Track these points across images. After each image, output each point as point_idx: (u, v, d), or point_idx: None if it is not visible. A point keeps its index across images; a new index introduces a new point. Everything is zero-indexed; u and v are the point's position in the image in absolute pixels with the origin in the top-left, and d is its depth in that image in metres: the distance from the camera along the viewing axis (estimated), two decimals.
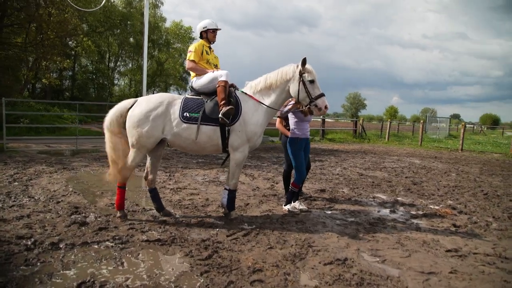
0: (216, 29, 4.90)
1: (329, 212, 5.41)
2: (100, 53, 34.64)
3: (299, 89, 4.44)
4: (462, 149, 18.67)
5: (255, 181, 7.44)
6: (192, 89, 4.77)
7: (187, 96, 4.70)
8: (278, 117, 5.58)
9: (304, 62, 4.40)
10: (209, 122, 4.40)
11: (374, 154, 14.51)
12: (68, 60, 26.11)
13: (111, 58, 37.55)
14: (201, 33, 4.91)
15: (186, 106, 4.44)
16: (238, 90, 4.72)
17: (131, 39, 35.17)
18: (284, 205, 5.36)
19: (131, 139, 4.38)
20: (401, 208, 5.83)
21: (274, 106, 4.63)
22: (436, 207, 6.01)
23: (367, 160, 12.23)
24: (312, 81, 4.42)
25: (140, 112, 4.34)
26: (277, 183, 7.30)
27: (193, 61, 4.69)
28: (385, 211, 5.61)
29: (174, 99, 4.53)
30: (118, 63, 38.58)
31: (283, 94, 4.62)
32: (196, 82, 4.68)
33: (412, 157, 14.39)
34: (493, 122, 79.56)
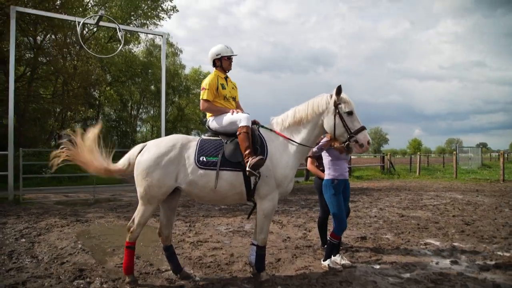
0: (232, 56, 4.22)
1: (378, 266, 4.50)
2: (123, 101, 35.42)
3: (335, 123, 3.73)
4: (504, 180, 17.27)
5: (285, 229, 6.62)
6: (209, 129, 4.12)
7: (203, 137, 4.05)
8: (309, 156, 4.87)
9: (339, 90, 3.73)
10: (230, 166, 3.71)
11: (409, 191, 13.43)
12: (91, 110, 26.62)
13: (133, 106, 38.31)
14: (214, 61, 4.22)
15: (202, 149, 3.78)
16: (261, 126, 4.05)
17: (152, 87, 35.87)
18: (323, 260, 4.50)
19: (140, 190, 3.72)
20: (463, 257, 4.86)
21: (306, 143, 3.91)
22: (507, 254, 5.01)
23: (403, 198, 11.19)
24: (350, 113, 3.72)
25: (149, 158, 3.71)
26: (309, 231, 6.45)
27: (207, 100, 4.02)
28: (445, 262, 4.65)
29: (188, 141, 3.88)
30: (140, 110, 39.32)
31: (315, 129, 3.90)
32: (213, 122, 4.04)
33: (451, 191, 13.22)
34: None
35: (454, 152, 23.06)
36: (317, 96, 3.91)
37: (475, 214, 8.26)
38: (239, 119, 3.79)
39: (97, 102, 31.56)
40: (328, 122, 3.79)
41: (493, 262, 4.63)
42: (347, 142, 3.74)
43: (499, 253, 5.07)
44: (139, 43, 33.76)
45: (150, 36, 33.91)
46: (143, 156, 3.76)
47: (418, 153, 25.81)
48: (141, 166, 3.71)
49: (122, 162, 3.97)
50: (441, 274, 4.17)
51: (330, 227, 5.28)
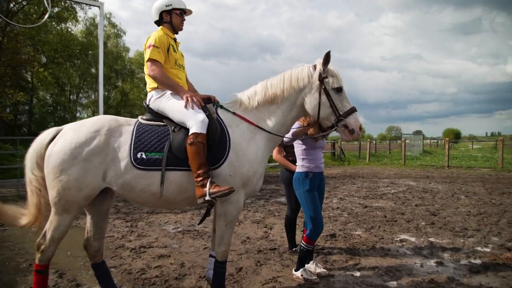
0: (185, 10, 3.12)
1: (358, 274, 3.82)
2: (60, 85, 32.32)
3: (320, 102, 2.86)
4: (448, 166, 17.83)
5: (242, 227, 5.80)
6: (149, 109, 3.00)
7: (140, 120, 2.94)
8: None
9: (327, 59, 2.86)
10: (180, 165, 2.71)
11: (363, 178, 13.24)
12: (22, 93, 23.87)
13: (72, 90, 35.18)
14: (161, 14, 3.08)
15: (140, 140, 2.73)
16: (220, 106, 3.01)
17: (93, 70, 33.02)
18: (295, 270, 3.69)
19: (52, 193, 2.65)
20: (446, 256, 4.34)
21: (280, 128, 3.00)
22: (487, 250, 4.59)
23: (360, 186, 10.86)
24: (339, 89, 2.87)
25: (64, 148, 2.64)
26: (271, 229, 5.69)
27: (156, 61, 2.86)
28: (430, 264, 4.08)
29: (119, 125, 2.80)
30: (80, 95, 36.26)
31: (293, 110, 2.98)
32: (156, 102, 2.94)
33: (404, 178, 13.23)
34: (455, 136, 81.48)
35: (403, 139, 23.61)
36: (295, 67, 2.99)
37: (436, 202, 8.01)
38: (192, 122, 2.70)
39: (30, 85, 28.51)
40: (310, 100, 2.89)
41: (478, 261, 4.16)
42: (334, 127, 2.94)
43: (479, 248, 4.63)
44: (77, 21, 30.84)
45: (89, 14, 31.10)
46: (56, 145, 2.68)
47: (368, 140, 26.19)
48: (52, 160, 2.63)
49: (31, 156, 2.84)
50: (431, 281, 3.57)
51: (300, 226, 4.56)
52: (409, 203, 7.97)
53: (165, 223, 6.11)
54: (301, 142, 3.68)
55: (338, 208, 7.41)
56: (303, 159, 3.70)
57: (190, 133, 2.67)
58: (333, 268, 3.98)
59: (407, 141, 32.96)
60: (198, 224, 3.69)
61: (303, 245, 3.64)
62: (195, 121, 2.69)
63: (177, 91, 2.90)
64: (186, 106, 2.78)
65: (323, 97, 2.85)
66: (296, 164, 3.80)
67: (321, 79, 2.86)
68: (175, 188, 2.73)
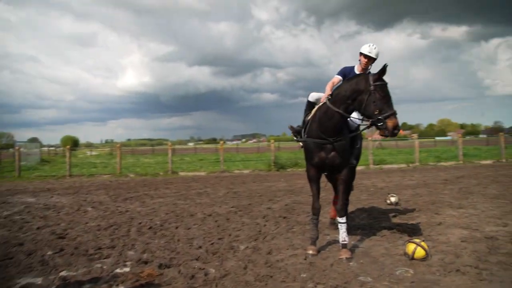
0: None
1: None
2: None
3: None
4: (70, 175, 17.06)
5: None
6: None
7: None
8: None
9: None
10: None
11: None
12: None
13: None
14: None
15: None
16: None
17: None
18: None
19: None
20: None
21: None
22: (127, 270, 4.11)
23: None
24: None
25: None
26: None
27: None
28: None
29: None
30: None
31: None
32: None
33: (20, 194, 11.19)
34: (73, 143, 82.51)
35: (17, 148, 20.36)
36: None
37: (62, 220, 6.99)
38: None
39: None
40: None
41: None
42: None
43: (118, 270, 4.10)
44: None
45: None
46: None
47: None
48: None
49: None
50: None
51: None
52: (29, 227, 6.48)
53: None
54: None
55: None
56: None
57: None
58: None
59: (22, 149, 29.33)
60: None
61: None
62: None
63: None
64: None
65: None
66: None
67: None
68: None
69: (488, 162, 18.93)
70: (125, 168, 19.32)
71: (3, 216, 7.51)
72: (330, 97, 4.49)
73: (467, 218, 6.27)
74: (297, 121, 5.36)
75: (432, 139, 49.59)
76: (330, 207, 6.36)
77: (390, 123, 3.97)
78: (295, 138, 5.26)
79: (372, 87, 4.07)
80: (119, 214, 7.48)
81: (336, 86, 4.76)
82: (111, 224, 6.50)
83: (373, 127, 4.22)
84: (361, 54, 5.00)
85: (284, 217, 6.88)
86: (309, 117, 4.94)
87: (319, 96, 5.03)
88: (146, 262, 4.38)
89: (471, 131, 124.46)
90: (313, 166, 4.70)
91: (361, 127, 4.86)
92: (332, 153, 4.51)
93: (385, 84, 4.10)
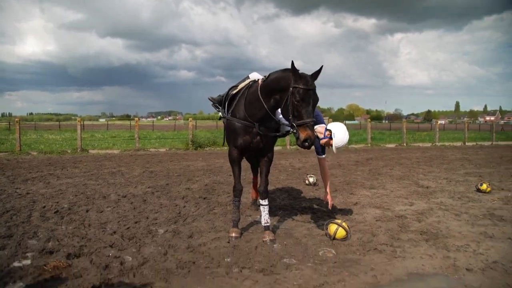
0: None
1: None
2: None
3: None
4: None
5: None
6: None
7: None
8: None
9: None
10: None
11: None
12: None
13: None
14: None
15: None
16: None
17: None
18: None
19: None
20: None
21: None
22: (28, 263, 3.60)
23: None
24: None
25: None
26: None
27: None
28: None
29: None
30: None
31: None
32: None
33: None
34: None
35: None
36: None
37: None
38: None
39: None
40: None
41: (20, 284, 3.13)
42: None
43: (17, 264, 3.57)
44: None
45: None
46: None
47: None
48: None
49: None
50: None
51: None
52: None
53: None
54: None
55: None
56: None
57: None
58: None
59: None
60: None
61: None
62: None
63: None
64: None
65: None
66: None
67: None
68: None
69: (392, 145, 20.80)
70: (26, 145, 17.30)
71: None
72: (264, 79, 4.15)
73: (379, 198, 6.78)
74: None
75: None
76: (250, 188, 6.36)
77: (301, 133, 3.62)
78: (216, 110, 5.00)
79: (291, 88, 3.69)
80: (18, 197, 6.60)
81: (275, 71, 4.14)
82: (7, 209, 5.70)
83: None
84: None
85: (204, 198, 6.72)
86: (235, 91, 4.69)
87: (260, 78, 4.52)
88: (51, 252, 3.89)
89: (375, 116, 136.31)
90: (236, 148, 4.47)
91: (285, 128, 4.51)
92: (258, 138, 4.37)
93: (306, 89, 3.63)
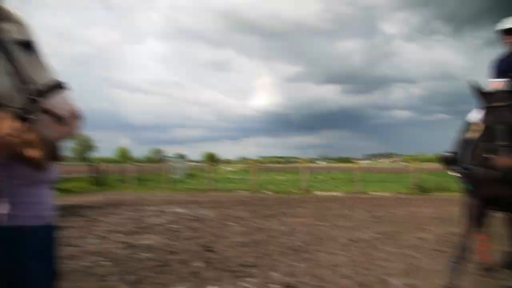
0: None
1: None
2: None
3: None
4: (214, 189, 18.46)
5: None
6: None
7: None
8: None
9: None
10: None
11: (128, 206, 11.70)
12: None
13: None
14: None
15: None
16: None
17: None
18: None
19: None
20: None
21: None
22: None
23: (125, 217, 9.30)
24: (28, 45, 1.51)
25: None
26: None
27: None
28: None
29: None
30: None
31: None
32: None
33: (172, 204, 12.45)
34: (212, 159, 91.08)
35: (169, 162, 23.20)
36: None
37: (209, 233, 7.39)
38: None
39: None
40: None
41: None
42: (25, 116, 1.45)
43: None
44: None
45: None
46: None
47: (130, 162, 24.68)
48: None
49: None
50: None
51: None
52: (180, 236, 7.02)
53: None
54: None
55: (96, 252, 5.64)
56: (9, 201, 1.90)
57: None
58: None
59: (173, 164, 33.40)
60: None
61: None
62: None
63: None
64: None
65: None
66: None
67: None
68: None
69: None
70: (260, 184, 20.05)
71: (159, 224, 8.36)
72: None
73: None
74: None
75: None
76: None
77: None
78: (450, 172, 4.30)
79: None
80: (259, 231, 7.55)
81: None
82: (253, 241, 6.56)
83: None
84: (504, 32, 3.81)
85: (439, 250, 5.92)
86: (472, 135, 3.99)
87: None
88: (290, 287, 4.16)
89: None
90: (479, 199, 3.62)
91: None
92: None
93: None
